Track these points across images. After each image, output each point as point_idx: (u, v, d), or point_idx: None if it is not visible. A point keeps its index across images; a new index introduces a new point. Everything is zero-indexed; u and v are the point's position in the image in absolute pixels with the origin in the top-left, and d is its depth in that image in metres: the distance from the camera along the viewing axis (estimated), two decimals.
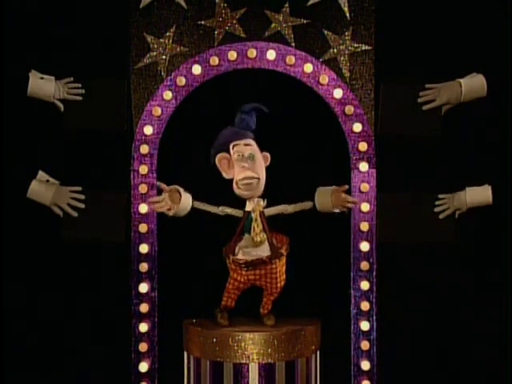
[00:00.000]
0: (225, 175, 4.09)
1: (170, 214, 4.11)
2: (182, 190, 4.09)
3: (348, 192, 4.22)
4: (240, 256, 4.07)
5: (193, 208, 4.10)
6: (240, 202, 4.11)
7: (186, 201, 4.09)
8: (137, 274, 4.32)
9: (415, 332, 4.60)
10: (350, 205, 4.20)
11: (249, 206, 4.08)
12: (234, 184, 4.06)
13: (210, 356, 4.05)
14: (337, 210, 4.17)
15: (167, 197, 4.10)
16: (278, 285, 4.12)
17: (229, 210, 4.11)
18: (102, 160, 4.48)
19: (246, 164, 4.03)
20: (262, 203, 4.09)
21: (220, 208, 4.12)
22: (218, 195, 4.13)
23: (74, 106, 4.32)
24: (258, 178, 4.05)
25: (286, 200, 4.15)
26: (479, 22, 4.46)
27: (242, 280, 4.12)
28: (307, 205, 4.17)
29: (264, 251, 4.07)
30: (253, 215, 4.06)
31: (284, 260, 4.11)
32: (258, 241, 4.04)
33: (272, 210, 4.12)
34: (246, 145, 4.07)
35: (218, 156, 4.08)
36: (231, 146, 4.06)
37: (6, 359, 4.53)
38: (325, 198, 4.15)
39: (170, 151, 4.37)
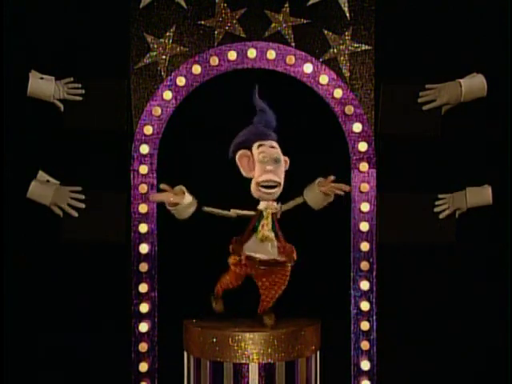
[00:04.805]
0: (244, 173, 4.02)
1: (175, 207, 4.01)
2: (185, 190, 4.06)
3: (348, 192, 4.21)
4: (255, 254, 4.01)
5: (201, 211, 4.04)
6: (242, 202, 4.10)
7: (190, 199, 4.05)
8: (137, 273, 4.33)
9: (415, 332, 4.59)
10: (339, 192, 4.09)
11: (262, 205, 4.02)
12: (254, 185, 4.00)
13: (210, 356, 4.05)
14: (329, 200, 4.10)
15: (170, 192, 4.04)
16: (278, 290, 4.07)
17: (241, 212, 4.05)
18: (102, 160, 4.47)
19: (271, 167, 3.97)
20: (276, 205, 4.03)
21: (232, 211, 4.07)
22: (217, 195, 4.12)
23: (73, 106, 4.32)
24: (280, 183, 4.01)
25: (286, 200, 4.15)
26: (479, 22, 4.46)
27: (243, 273, 4.08)
28: (299, 200, 4.11)
29: (273, 253, 4.01)
30: (264, 214, 4.01)
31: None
32: (267, 236, 3.98)
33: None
34: (272, 147, 4.01)
35: (240, 153, 4.00)
36: (255, 146, 4.00)
37: (6, 359, 4.53)
38: (313, 194, 4.08)
39: (170, 151, 4.37)
